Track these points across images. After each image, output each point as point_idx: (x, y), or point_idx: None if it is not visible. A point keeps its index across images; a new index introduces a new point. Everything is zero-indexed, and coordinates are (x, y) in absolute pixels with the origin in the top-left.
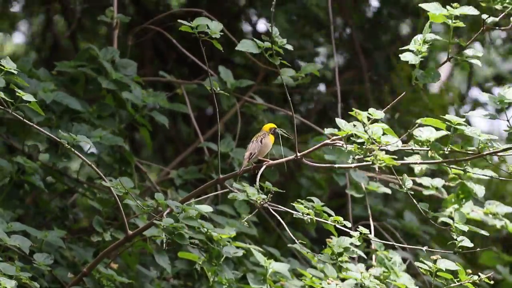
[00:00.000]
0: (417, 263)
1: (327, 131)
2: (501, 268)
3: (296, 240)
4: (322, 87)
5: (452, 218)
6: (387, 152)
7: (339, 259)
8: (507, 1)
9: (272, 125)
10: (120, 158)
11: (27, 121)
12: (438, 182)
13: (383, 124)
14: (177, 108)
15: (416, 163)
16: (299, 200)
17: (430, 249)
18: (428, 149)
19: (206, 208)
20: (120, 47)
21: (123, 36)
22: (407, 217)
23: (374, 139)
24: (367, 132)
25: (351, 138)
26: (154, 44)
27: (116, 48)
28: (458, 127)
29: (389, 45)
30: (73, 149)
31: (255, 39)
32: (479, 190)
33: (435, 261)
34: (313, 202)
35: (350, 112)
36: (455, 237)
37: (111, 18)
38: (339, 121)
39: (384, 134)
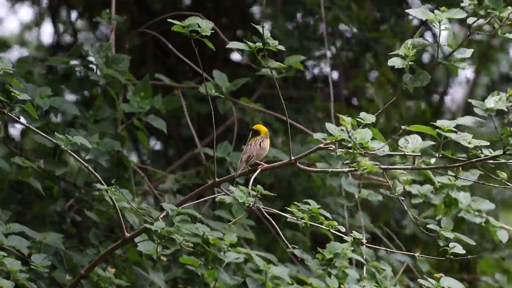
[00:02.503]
0: (420, 281)
1: (316, 135)
2: (499, 277)
3: (289, 246)
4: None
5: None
6: (375, 157)
7: (332, 264)
8: (491, 7)
9: (266, 130)
10: (117, 163)
11: (22, 123)
12: (427, 189)
13: (373, 129)
14: (172, 106)
15: (403, 169)
16: (295, 203)
17: (422, 255)
18: (419, 154)
19: (194, 212)
20: (121, 49)
21: (123, 37)
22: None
23: (361, 144)
24: (351, 138)
25: (343, 142)
26: (156, 44)
27: (110, 43)
28: (447, 134)
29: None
30: (69, 151)
31: (246, 41)
32: (464, 198)
33: (438, 280)
34: (309, 204)
35: (339, 115)
36: (441, 244)
37: (107, 19)
38: (329, 125)
39: (373, 138)
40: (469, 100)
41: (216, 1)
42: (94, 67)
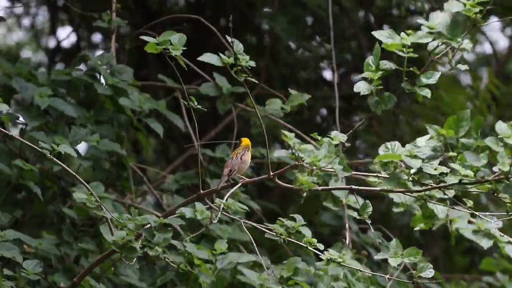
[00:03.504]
0: None
1: (276, 153)
2: (500, 276)
3: (259, 255)
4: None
5: None
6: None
7: (289, 282)
8: (448, 36)
9: (248, 141)
10: (117, 163)
11: (6, 131)
12: (409, 198)
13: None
14: (173, 118)
15: (373, 190)
16: (280, 218)
17: (394, 278)
18: (388, 177)
19: (177, 220)
20: (120, 51)
21: (124, 39)
22: None
23: (313, 163)
24: (296, 155)
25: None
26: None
27: (114, 52)
28: (414, 161)
29: None
30: (54, 159)
31: (220, 54)
32: (441, 212)
33: None
34: (295, 220)
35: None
36: (390, 270)
37: (108, 22)
38: (278, 152)
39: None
40: (425, 125)
41: (215, 3)
42: (98, 75)
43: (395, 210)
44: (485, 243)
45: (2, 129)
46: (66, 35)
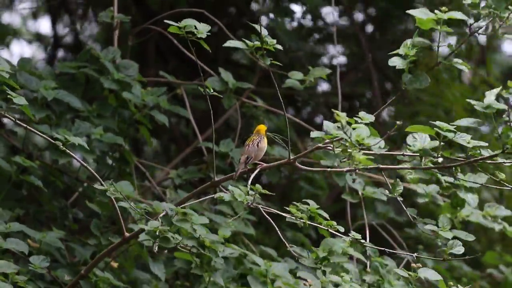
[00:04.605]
0: (396, 270)
1: (314, 134)
2: (503, 268)
3: (288, 244)
4: (326, 87)
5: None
6: (375, 157)
7: (324, 263)
8: (492, 6)
9: (264, 127)
10: (119, 158)
11: (20, 122)
12: (433, 189)
13: (371, 127)
14: (177, 110)
15: (401, 168)
16: (294, 203)
17: (419, 256)
18: (417, 154)
19: (202, 220)
20: (121, 47)
21: (125, 36)
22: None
23: (358, 141)
24: (347, 133)
25: (341, 141)
26: (157, 44)
27: (117, 48)
28: (446, 133)
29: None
30: (68, 150)
31: (244, 40)
32: (472, 200)
33: (415, 270)
34: (308, 204)
35: (333, 110)
36: (439, 243)
37: (111, 18)
38: (327, 123)
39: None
40: (468, 100)
41: (215, 2)
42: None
43: (420, 200)
44: (497, 227)
45: (21, 123)
46: (65, 33)
